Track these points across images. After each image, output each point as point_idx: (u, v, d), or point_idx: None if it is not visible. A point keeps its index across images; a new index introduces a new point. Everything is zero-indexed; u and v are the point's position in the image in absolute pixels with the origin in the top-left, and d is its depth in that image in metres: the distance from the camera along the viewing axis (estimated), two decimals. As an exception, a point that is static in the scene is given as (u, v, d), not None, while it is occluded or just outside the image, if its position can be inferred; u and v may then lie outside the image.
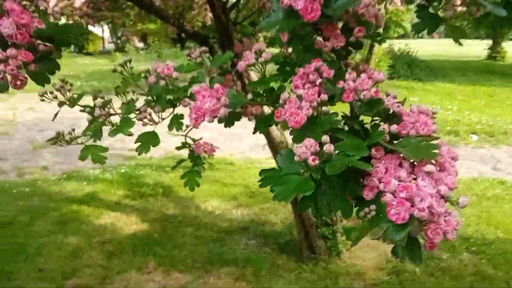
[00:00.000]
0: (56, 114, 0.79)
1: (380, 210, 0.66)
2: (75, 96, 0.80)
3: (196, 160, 1.43)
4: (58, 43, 0.76)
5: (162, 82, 0.81)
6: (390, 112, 0.75)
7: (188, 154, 1.52)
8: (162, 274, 3.36)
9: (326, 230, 3.54)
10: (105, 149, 0.79)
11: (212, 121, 0.76)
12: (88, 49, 20.55)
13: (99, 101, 0.79)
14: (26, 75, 0.72)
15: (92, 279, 3.25)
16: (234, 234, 3.89)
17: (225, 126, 0.84)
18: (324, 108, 0.75)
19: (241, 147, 6.34)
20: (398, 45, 14.13)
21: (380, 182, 0.67)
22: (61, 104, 0.78)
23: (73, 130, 0.79)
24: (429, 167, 0.65)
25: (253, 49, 0.83)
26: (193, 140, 1.49)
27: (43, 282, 3.12)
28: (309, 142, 0.67)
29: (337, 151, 0.70)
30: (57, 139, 0.77)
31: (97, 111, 0.78)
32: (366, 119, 0.79)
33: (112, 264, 3.42)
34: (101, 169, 5.22)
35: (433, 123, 0.74)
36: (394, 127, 0.72)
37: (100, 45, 23.82)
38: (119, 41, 22.70)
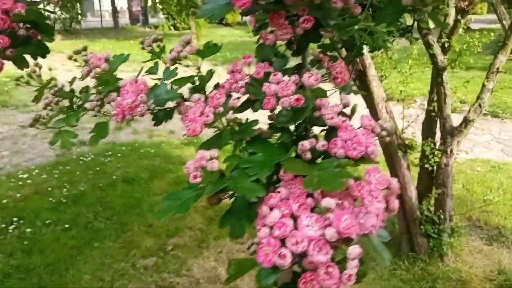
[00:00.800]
0: (36, 97, 0.83)
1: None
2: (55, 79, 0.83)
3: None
4: (41, 28, 0.79)
5: (92, 74, 0.77)
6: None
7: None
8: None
9: (430, 227, 3.21)
10: (75, 135, 0.81)
11: (132, 119, 0.70)
12: (227, 20, 21.42)
13: (53, 90, 0.80)
14: (5, 60, 0.76)
15: (191, 240, 3.49)
16: (332, 217, 3.78)
17: (155, 125, 0.78)
18: (229, 115, 0.63)
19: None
20: None
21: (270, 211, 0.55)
22: (40, 89, 0.81)
23: (47, 114, 0.82)
24: (326, 202, 0.52)
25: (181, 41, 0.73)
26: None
27: (150, 237, 3.46)
28: (200, 154, 0.58)
29: (243, 167, 0.59)
30: (37, 121, 0.81)
31: (47, 100, 0.80)
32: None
33: (210, 229, 3.62)
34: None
35: (372, 143, 0.57)
36: (320, 144, 0.59)
37: (239, 17, 24.71)
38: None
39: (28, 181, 4.34)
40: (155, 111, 0.75)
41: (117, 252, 3.28)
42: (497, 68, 3.05)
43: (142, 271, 3.05)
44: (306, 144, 0.59)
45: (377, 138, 0.62)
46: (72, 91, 0.82)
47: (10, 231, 3.47)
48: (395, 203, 0.60)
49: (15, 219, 3.62)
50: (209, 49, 0.74)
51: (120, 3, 22.25)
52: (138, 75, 0.75)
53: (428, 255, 3.17)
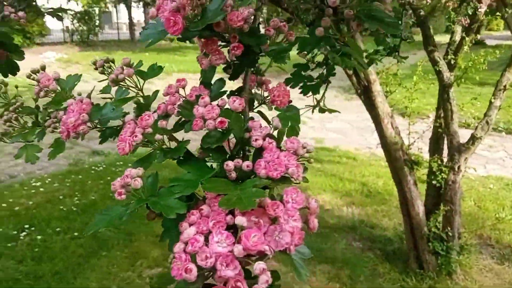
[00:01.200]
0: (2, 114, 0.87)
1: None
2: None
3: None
4: (9, 47, 0.84)
5: (42, 94, 0.80)
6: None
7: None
8: (259, 259, 3.44)
9: (439, 245, 3.17)
10: (40, 149, 0.86)
11: (78, 138, 0.73)
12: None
13: (13, 106, 0.84)
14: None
15: (198, 252, 3.50)
16: (340, 232, 3.76)
17: (100, 143, 0.80)
18: (157, 136, 0.65)
19: (370, 141, 6.02)
20: None
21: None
22: (5, 106, 0.85)
23: (13, 129, 0.85)
24: (238, 220, 0.54)
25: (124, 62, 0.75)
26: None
27: (157, 247, 3.49)
28: (127, 172, 0.61)
29: (170, 185, 0.61)
30: (5, 135, 0.85)
31: (6, 116, 0.84)
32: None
33: (217, 241, 3.63)
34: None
35: (293, 165, 0.59)
36: (244, 165, 0.61)
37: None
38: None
39: (41, 189, 4.44)
40: (103, 129, 0.78)
41: (123, 261, 3.32)
42: (504, 86, 3.03)
43: (148, 281, 3.08)
44: (230, 164, 0.61)
45: (302, 158, 0.65)
46: (37, 107, 0.87)
47: (21, 238, 3.54)
48: (315, 222, 0.62)
49: (27, 226, 3.69)
50: (153, 71, 0.78)
51: (137, 16, 22.68)
52: (89, 95, 0.79)
53: (437, 273, 3.13)
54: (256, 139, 0.63)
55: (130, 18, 19.74)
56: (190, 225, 0.57)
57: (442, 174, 3.12)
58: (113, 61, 0.80)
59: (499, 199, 4.20)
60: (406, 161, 3.17)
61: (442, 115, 3.29)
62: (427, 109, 7.01)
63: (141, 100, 0.76)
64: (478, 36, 3.13)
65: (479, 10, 3.10)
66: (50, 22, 15.58)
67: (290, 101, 0.78)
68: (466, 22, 3.00)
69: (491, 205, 4.08)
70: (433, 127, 3.38)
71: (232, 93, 0.72)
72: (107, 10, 17.77)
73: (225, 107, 0.67)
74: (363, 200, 4.26)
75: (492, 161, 5.37)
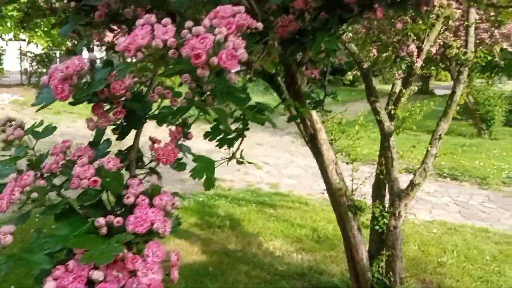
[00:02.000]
0: None
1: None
2: None
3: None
4: None
5: None
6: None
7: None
8: (207, 309, 3.37)
9: (382, 290, 3.22)
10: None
11: None
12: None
13: None
14: None
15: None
16: (289, 279, 3.75)
17: None
18: (33, 194, 0.68)
19: (322, 187, 6.12)
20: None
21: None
22: None
23: None
24: (95, 274, 0.58)
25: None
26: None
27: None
28: (1, 229, 0.64)
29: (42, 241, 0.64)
30: None
31: None
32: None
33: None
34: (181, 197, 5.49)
35: (159, 220, 0.64)
36: (115, 221, 0.64)
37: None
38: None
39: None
40: None
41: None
42: (440, 135, 3.24)
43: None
44: (101, 220, 0.65)
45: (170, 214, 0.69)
46: None
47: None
48: (175, 274, 0.68)
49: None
50: (47, 131, 0.81)
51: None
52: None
53: (380, 319, 3.15)
54: (128, 197, 0.67)
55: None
56: (55, 279, 0.59)
57: (384, 219, 3.22)
58: (14, 120, 0.82)
59: (441, 244, 4.34)
60: (350, 206, 3.26)
61: (383, 162, 3.44)
62: (377, 155, 7.26)
63: (33, 159, 0.78)
64: (414, 87, 3.36)
65: (416, 64, 3.35)
66: (8, 64, 15.29)
67: (180, 159, 0.83)
68: (400, 76, 3.23)
69: (434, 249, 4.21)
70: (376, 174, 3.52)
71: (120, 152, 0.76)
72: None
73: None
74: (313, 246, 4.29)
75: (437, 206, 5.57)
